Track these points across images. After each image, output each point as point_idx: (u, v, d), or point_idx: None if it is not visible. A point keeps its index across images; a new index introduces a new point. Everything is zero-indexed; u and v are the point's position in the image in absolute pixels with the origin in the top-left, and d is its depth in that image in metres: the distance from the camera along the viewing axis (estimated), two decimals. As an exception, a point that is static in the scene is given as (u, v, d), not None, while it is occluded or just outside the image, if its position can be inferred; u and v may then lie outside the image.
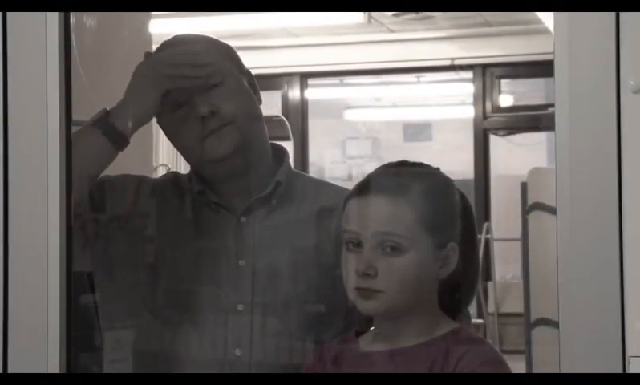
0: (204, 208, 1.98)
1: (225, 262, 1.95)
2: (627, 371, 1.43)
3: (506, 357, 1.75)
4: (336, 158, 8.03)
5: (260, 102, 2.01)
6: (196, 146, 1.93)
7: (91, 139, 1.88)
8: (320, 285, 1.94)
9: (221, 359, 1.92)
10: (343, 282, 1.76)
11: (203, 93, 1.92)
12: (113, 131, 1.88)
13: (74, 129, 1.67)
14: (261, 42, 5.90)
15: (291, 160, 2.07)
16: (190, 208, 1.99)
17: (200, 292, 1.95)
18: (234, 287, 1.94)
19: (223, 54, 2.00)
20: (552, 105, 1.49)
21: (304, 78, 6.98)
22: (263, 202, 1.97)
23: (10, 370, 1.63)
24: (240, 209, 1.97)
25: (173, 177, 2.08)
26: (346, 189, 2.05)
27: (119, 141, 1.90)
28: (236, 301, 1.93)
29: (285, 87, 6.95)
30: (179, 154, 2.04)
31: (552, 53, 1.48)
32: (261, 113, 2.01)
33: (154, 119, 1.99)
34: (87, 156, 1.87)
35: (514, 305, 5.75)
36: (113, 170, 1.98)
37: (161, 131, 2.02)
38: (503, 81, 6.81)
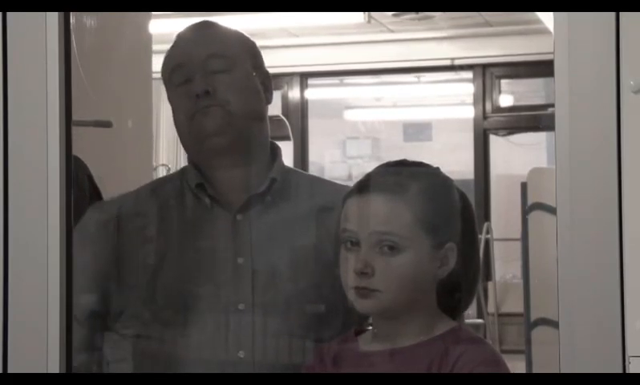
0: (201, 207, 1.98)
1: (224, 261, 1.95)
2: (627, 371, 1.43)
3: (506, 357, 1.75)
4: (336, 158, 8.02)
5: (268, 102, 2.02)
6: (186, 123, 1.96)
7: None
8: (318, 283, 1.94)
9: (224, 361, 1.91)
10: (341, 281, 1.77)
11: (205, 74, 1.94)
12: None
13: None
14: (261, 42, 5.88)
15: (291, 160, 2.07)
16: (187, 208, 2.00)
17: (200, 292, 1.94)
18: (234, 286, 1.94)
19: (243, 47, 2.03)
20: (552, 105, 1.49)
21: (304, 78, 6.98)
22: (258, 199, 1.98)
23: (10, 370, 1.63)
24: (236, 207, 1.97)
25: (170, 178, 2.09)
26: (338, 185, 2.06)
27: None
28: (237, 300, 1.93)
29: (285, 87, 6.94)
30: (179, 154, 2.04)
31: (552, 53, 1.48)
32: (264, 112, 2.01)
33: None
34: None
35: (514, 305, 5.75)
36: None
37: (161, 131, 2.02)
38: (503, 81, 6.81)
